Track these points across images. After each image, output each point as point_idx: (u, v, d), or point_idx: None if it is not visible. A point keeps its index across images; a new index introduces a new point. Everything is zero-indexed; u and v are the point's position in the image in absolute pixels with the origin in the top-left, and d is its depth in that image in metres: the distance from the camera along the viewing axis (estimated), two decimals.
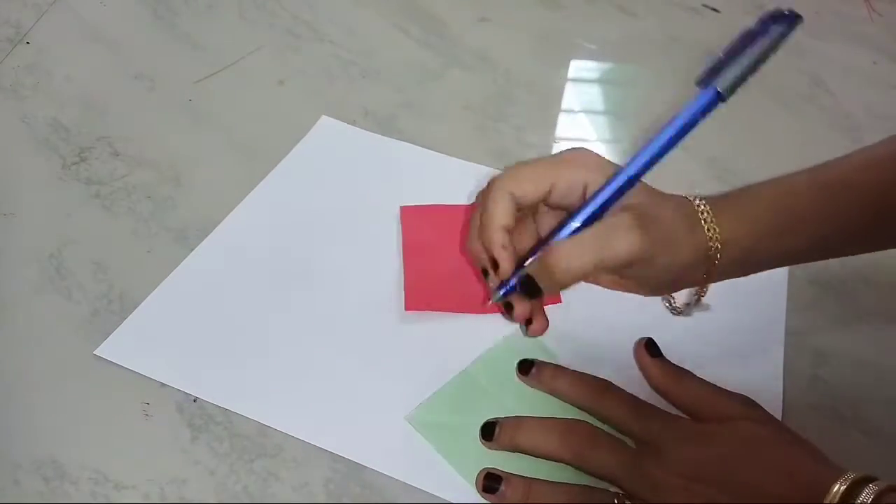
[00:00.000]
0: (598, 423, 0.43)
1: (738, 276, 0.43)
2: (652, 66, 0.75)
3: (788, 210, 0.41)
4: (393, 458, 0.42)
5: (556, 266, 0.38)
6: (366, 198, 0.58)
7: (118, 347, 0.47)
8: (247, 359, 0.47)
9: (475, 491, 0.41)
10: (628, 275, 0.41)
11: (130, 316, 0.49)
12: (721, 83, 0.37)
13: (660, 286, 0.43)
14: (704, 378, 0.44)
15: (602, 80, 0.74)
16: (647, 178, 0.41)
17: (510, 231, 0.42)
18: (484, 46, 0.75)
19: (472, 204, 0.47)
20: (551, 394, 0.45)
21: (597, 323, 0.49)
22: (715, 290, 0.44)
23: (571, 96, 0.71)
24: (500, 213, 0.41)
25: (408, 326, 0.49)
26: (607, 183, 0.40)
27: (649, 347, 0.45)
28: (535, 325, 0.45)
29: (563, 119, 0.69)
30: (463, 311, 0.50)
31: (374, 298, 0.51)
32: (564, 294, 0.50)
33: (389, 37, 0.76)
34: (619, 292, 0.43)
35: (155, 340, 0.48)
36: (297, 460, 0.43)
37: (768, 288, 0.52)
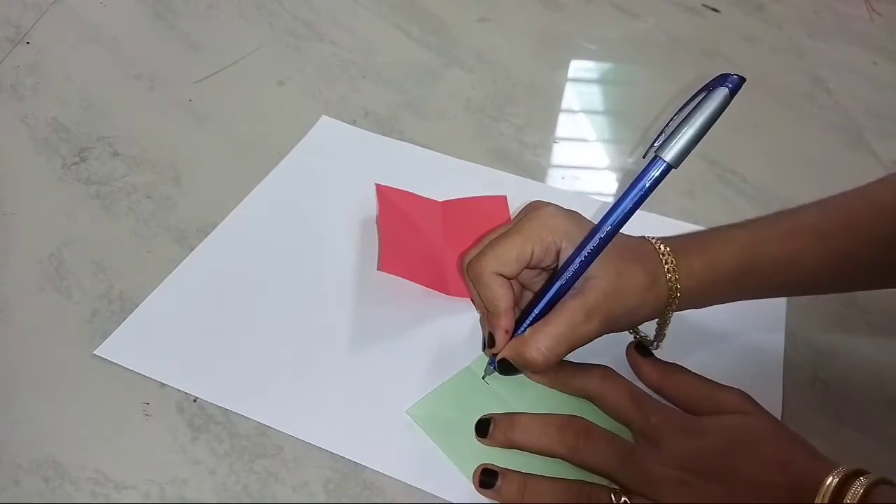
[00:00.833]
0: (596, 418, 0.43)
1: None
2: (652, 66, 0.75)
3: (754, 259, 0.43)
4: (393, 458, 0.42)
5: (533, 359, 0.41)
6: (366, 198, 0.58)
7: (118, 347, 0.47)
8: (247, 359, 0.47)
9: (475, 491, 0.41)
10: None
11: (130, 316, 0.49)
12: (669, 155, 0.39)
13: (619, 329, 0.44)
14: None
15: (602, 80, 0.74)
16: None
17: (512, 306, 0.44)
18: (484, 46, 0.75)
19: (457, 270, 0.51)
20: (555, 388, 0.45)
21: None
22: None
23: (571, 96, 0.71)
24: (502, 298, 0.43)
25: (408, 326, 0.49)
26: (574, 255, 0.42)
27: (639, 348, 0.46)
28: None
29: (563, 119, 0.69)
30: (432, 288, 0.51)
31: (375, 298, 0.51)
32: None
33: (389, 37, 0.76)
34: None
35: (155, 340, 0.48)
36: (297, 460, 0.43)
37: None
